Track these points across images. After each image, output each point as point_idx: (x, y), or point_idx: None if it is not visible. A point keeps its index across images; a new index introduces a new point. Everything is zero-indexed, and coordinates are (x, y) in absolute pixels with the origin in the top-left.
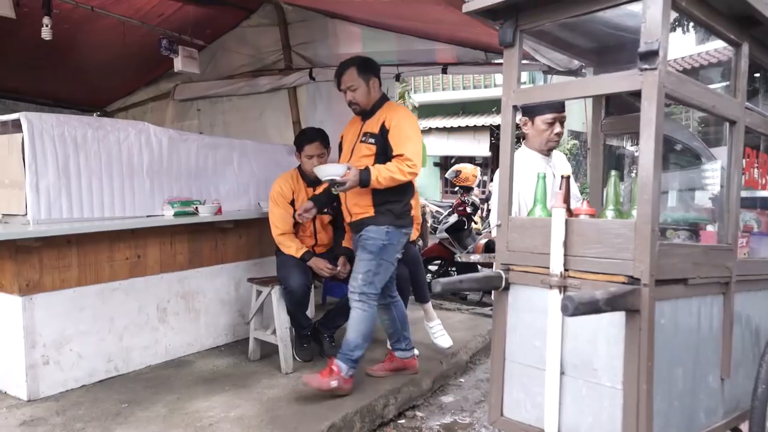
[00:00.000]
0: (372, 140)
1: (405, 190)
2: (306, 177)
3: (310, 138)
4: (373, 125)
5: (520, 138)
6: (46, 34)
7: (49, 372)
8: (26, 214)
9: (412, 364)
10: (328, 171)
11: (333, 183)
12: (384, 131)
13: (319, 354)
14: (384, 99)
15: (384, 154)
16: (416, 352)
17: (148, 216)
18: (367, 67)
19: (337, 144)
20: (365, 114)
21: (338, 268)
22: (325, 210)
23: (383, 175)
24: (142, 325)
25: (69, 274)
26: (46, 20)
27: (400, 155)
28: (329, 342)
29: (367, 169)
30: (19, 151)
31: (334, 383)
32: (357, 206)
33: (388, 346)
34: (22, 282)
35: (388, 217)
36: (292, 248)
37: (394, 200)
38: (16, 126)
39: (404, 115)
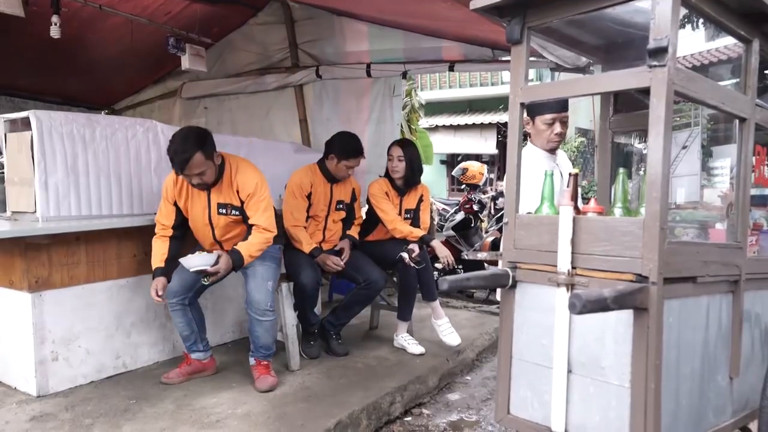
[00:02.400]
0: (236, 212)
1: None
2: (326, 173)
3: (358, 152)
4: (228, 195)
5: (527, 136)
6: (54, 32)
7: (58, 368)
8: (35, 212)
9: (210, 366)
10: (196, 262)
11: (203, 274)
12: (242, 201)
13: (326, 351)
14: (223, 162)
15: (246, 218)
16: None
17: (155, 214)
18: (207, 144)
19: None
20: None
21: (342, 258)
22: (340, 206)
23: (253, 252)
24: (149, 322)
25: (77, 271)
26: (54, 19)
27: (257, 226)
28: (336, 339)
29: (236, 252)
30: (28, 149)
31: (274, 375)
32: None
33: (185, 350)
34: (32, 279)
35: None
36: (302, 243)
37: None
38: (25, 124)
39: (254, 177)
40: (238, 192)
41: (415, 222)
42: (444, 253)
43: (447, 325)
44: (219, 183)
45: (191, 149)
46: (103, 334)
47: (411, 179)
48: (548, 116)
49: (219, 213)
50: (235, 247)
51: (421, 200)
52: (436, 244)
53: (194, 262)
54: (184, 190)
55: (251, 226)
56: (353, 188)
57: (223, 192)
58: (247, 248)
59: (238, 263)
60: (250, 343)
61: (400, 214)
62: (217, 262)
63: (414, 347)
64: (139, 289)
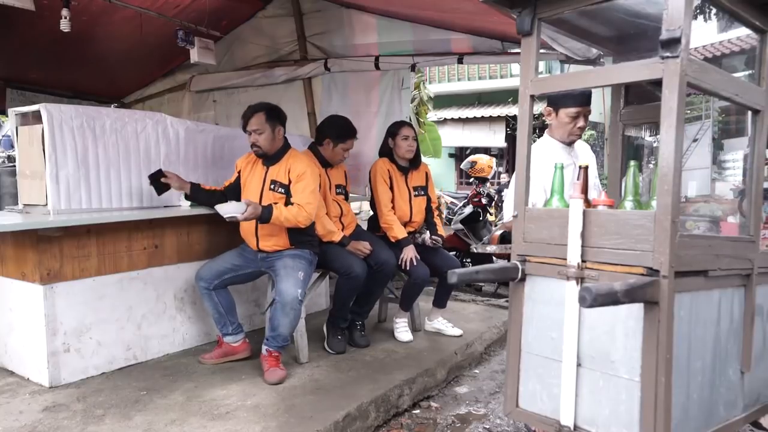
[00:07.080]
0: (282, 190)
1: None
2: (321, 159)
3: (352, 132)
4: (280, 174)
5: (536, 129)
6: (64, 25)
7: (70, 359)
8: (47, 204)
9: (241, 349)
10: (229, 209)
11: (234, 219)
12: (290, 181)
13: (348, 343)
14: (287, 147)
15: (289, 197)
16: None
17: (165, 206)
18: (275, 115)
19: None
20: (268, 158)
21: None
22: (339, 191)
23: (281, 218)
24: (159, 314)
25: (88, 263)
26: (64, 12)
27: (298, 203)
28: (359, 330)
29: (269, 206)
30: (39, 143)
31: (283, 368)
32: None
33: (218, 332)
34: (44, 271)
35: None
36: (335, 234)
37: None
38: (36, 117)
39: (307, 164)
40: (289, 171)
41: (429, 200)
42: (409, 255)
43: (403, 324)
44: (278, 163)
45: (256, 109)
46: (114, 326)
47: (418, 159)
48: (573, 109)
49: (270, 189)
50: (271, 203)
51: (427, 178)
52: (407, 249)
53: (227, 209)
54: (250, 164)
55: (291, 204)
56: (344, 171)
57: (279, 171)
58: (280, 211)
59: (265, 215)
60: (267, 331)
61: (408, 192)
62: (246, 210)
63: (451, 329)
64: (149, 281)
